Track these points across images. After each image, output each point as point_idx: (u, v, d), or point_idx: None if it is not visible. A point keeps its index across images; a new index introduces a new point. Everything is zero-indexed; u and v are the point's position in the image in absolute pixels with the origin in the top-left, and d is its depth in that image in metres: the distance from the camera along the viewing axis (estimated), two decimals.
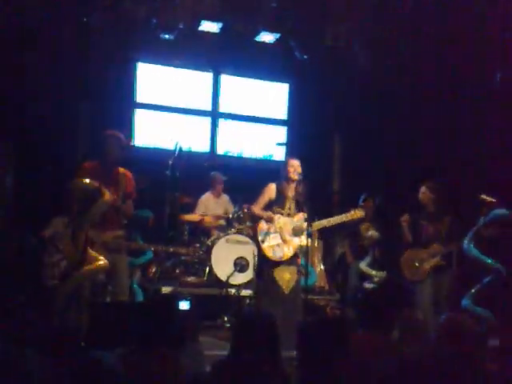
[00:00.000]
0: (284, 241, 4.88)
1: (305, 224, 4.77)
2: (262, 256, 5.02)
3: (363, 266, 6.42)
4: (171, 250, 5.75)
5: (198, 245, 6.47)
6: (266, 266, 4.99)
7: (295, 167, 4.95)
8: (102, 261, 4.23)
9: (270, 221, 4.90)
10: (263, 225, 4.92)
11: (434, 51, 7.01)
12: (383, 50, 7.05)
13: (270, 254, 4.88)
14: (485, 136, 6.55)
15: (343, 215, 4.99)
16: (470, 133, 6.80)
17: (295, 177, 4.92)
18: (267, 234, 4.88)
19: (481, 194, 5.05)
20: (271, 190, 4.98)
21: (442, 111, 7.10)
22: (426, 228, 5.26)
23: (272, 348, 2.32)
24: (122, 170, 4.68)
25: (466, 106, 6.74)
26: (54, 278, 5.32)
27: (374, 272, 6.35)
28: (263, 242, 4.89)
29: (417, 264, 5.22)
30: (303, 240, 4.84)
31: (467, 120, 6.82)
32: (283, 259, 4.89)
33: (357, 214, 5.03)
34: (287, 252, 4.88)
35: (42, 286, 5.09)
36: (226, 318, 5.76)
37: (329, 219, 4.94)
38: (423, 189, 5.31)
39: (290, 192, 4.99)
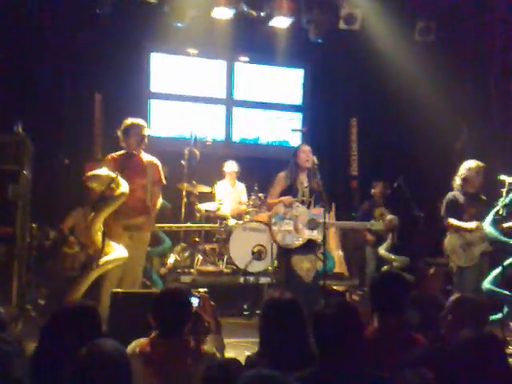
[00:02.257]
0: (296, 229, 4.80)
1: (321, 220, 4.67)
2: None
3: (382, 250, 6.36)
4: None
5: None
6: (282, 253, 4.95)
7: (306, 153, 4.84)
8: (122, 250, 4.25)
9: (289, 205, 4.80)
10: (280, 208, 4.82)
11: (456, 33, 6.91)
12: (400, 32, 6.93)
13: (277, 237, 4.80)
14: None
15: (360, 223, 5.00)
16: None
17: (307, 164, 4.83)
18: (282, 218, 4.80)
19: (500, 174, 4.93)
20: (282, 179, 4.87)
21: (461, 90, 6.98)
22: (468, 209, 5.07)
23: (302, 333, 2.30)
24: (148, 158, 4.63)
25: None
26: (74, 270, 5.40)
27: (393, 257, 6.28)
28: (275, 224, 4.80)
29: (463, 249, 5.03)
30: (315, 235, 4.76)
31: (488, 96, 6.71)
32: (290, 247, 4.83)
33: (375, 225, 5.01)
34: (296, 242, 4.80)
35: (63, 278, 5.16)
36: (245, 306, 5.77)
37: (345, 222, 4.97)
38: (474, 167, 5.00)
39: (303, 179, 4.91)
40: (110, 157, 4.61)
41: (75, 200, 5.98)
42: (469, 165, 5.07)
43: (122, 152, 4.60)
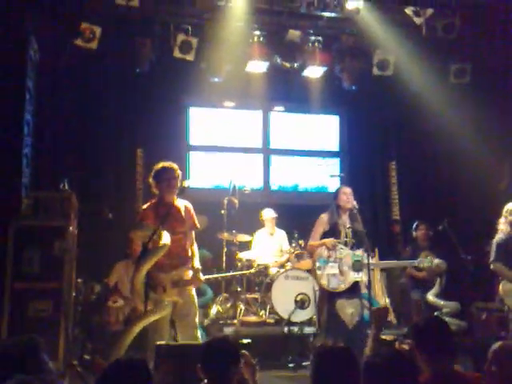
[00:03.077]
0: (341, 272, 4.74)
1: (365, 260, 4.61)
2: (321, 288, 4.89)
3: (430, 297, 6.15)
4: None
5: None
6: (326, 299, 4.85)
7: (347, 195, 4.85)
8: (166, 302, 4.24)
9: (332, 248, 4.76)
10: (323, 252, 4.78)
11: (492, 73, 6.87)
12: (434, 75, 6.94)
13: (323, 281, 4.72)
14: None
15: (408, 261, 4.94)
16: None
17: (348, 205, 4.81)
18: (326, 261, 4.74)
19: None
20: (323, 220, 4.87)
21: (500, 130, 6.87)
22: None
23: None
24: (182, 202, 4.42)
25: None
26: (118, 324, 5.41)
27: (442, 303, 6.06)
28: (319, 269, 4.75)
29: None
30: (361, 276, 4.69)
31: None
32: (336, 291, 4.73)
33: (423, 262, 4.89)
34: (342, 285, 4.73)
35: (108, 333, 5.17)
36: (289, 358, 5.62)
37: (391, 262, 4.91)
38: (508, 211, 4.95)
39: (345, 220, 4.88)
40: (146, 207, 4.37)
41: (119, 254, 6.07)
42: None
43: (154, 201, 4.39)
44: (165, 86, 7.28)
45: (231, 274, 6.51)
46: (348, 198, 4.83)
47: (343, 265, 4.74)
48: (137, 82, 7.01)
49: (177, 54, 6.57)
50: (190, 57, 6.62)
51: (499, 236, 5.02)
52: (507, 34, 6.50)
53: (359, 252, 4.75)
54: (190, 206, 4.49)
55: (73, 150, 6.79)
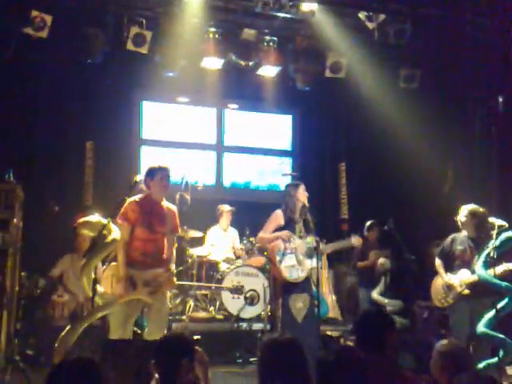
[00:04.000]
0: (299, 262, 4.83)
1: (315, 244, 4.76)
2: (276, 282, 4.92)
3: (375, 295, 6.33)
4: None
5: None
6: (280, 293, 4.89)
7: (302, 191, 4.96)
8: (114, 299, 4.17)
9: (287, 239, 4.84)
10: (280, 244, 4.84)
11: (440, 79, 7.12)
12: (384, 79, 7.13)
13: (286, 274, 4.79)
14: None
15: (345, 241, 5.16)
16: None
17: (304, 200, 4.91)
18: (284, 254, 4.81)
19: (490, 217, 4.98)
20: (279, 216, 4.92)
21: (445, 135, 7.14)
22: (462, 253, 5.02)
23: (304, 377, 2.22)
24: (167, 204, 4.39)
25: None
26: (63, 319, 5.29)
27: (386, 301, 6.25)
28: (281, 262, 4.81)
29: (445, 290, 5.07)
30: (315, 263, 4.81)
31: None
32: (298, 281, 4.83)
33: (357, 240, 5.10)
34: (302, 274, 4.83)
35: (53, 328, 5.04)
36: (238, 354, 5.66)
37: (334, 243, 5.10)
38: (464, 212, 5.04)
39: (298, 215, 4.98)
40: (132, 200, 4.26)
41: (65, 248, 5.94)
42: (466, 208, 5.13)
43: (143, 196, 4.31)
44: (117, 78, 7.15)
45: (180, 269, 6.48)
46: (303, 194, 4.93)
47: (299, 254, 4.83)
48: (88, 73, 6.86)
49: (130, 46, 6.48)
50: (143, 50, 6.55)
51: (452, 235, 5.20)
52: (455, 43, 6.76)
53: (309, 238, 4.87)
54: (175, 210, 4.46)
55: (19, 141, 6.57)
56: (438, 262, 5.15)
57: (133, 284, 4.10)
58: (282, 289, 4.86)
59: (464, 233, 5.07)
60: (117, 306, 4.14)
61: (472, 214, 5.02)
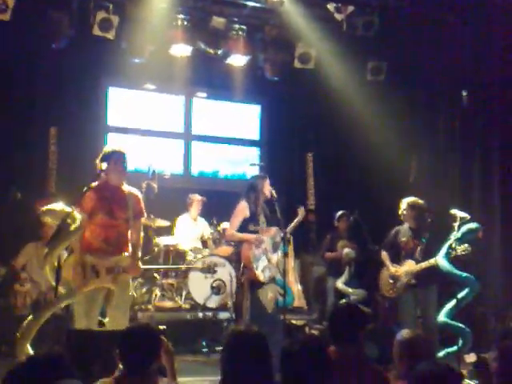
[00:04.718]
0: (269, 260, 4.85)
1: (279, 238, 4.84)
2: (248, 279, 4.91)
3: (339, 284, 6.43)
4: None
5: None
6: (248, 285, 4.91)
7: (267, 184, 4.96)
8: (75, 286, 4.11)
9: (260, 244, 4.81)
10: (255, 251, 4.77)
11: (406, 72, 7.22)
12: (352, 71, 7.19)
13: (261, 277, 4.79)
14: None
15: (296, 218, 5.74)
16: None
17: (268, 193, 4.91)
18: (258, 259, 4.79)
19: (452, 209, 5.11)
20: (245, 208, 4.89)
21: (410, 127, 7.26)
22: (406, 244, 5.25)
23: (266, 368, 2.24)
24: (129, 189, 4.27)
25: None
26: (25, 308, 5.20)
27: (350, 290, 6.35)
28: (257, 268, 4.78)
29: (391, 281, 5.24)
30: (280, 254, 4.86)
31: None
32: (270, 278, 4.86)
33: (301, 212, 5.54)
34: (273, 270, 4.88)
35: (14, 317, 4.96)
36: (203, 343, 5.67)
37: (290, 225, 5.55)
38: (404, 205, 5.25)
39: (262, 208, 4.99)
40: (89, 187, 4.13)
41: (28, 236, 5.82)
42: (406, 201, 5.27)
43: (101, 182, 4.18)
44: (83, 64, 6.98)
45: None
46: (267, 187, 4.93)
47: (267, 253, 4.85)
48: (53, 58, 6.69)
49: (96, 31, 6.35)
50: (110, 35, 6.42)
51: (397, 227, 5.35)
52: (422, 37, 6.85)
53: (272, 231, 4.91)
54: (139, 194, 4.35)
55: None
56: (383, 253, 5.34)
57: (95, 272, 4.03)
58: (250, 282, 4.88)
59: (406, 225, 5.24)
60: (80, 294, 4.10)
61: (411, 207, 5.21)
